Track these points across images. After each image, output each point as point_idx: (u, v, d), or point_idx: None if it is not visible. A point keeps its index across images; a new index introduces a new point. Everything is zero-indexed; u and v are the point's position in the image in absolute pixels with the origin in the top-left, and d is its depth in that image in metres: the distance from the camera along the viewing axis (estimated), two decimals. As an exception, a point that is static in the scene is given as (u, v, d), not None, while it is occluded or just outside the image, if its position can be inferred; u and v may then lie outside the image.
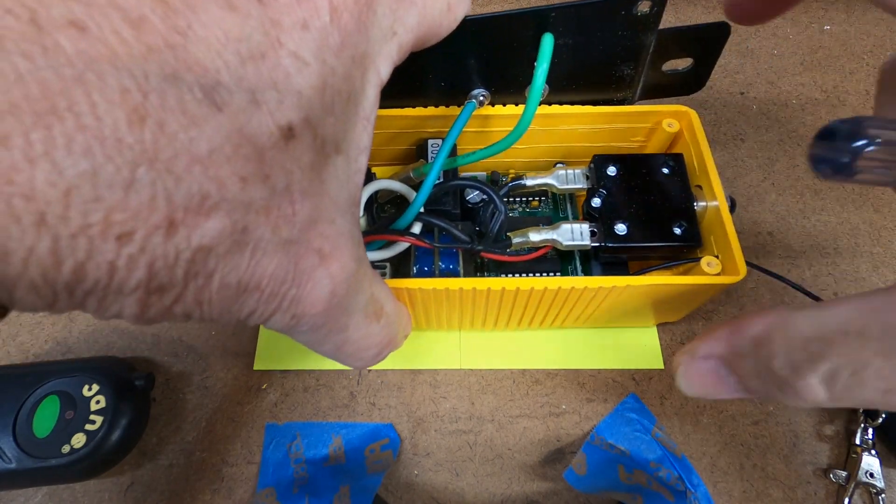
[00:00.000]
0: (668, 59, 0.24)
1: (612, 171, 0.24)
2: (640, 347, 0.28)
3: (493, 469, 0.26)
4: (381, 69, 0.14)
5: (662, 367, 0.28)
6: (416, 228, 0.23)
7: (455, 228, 0.23)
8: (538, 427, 0.27)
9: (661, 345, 0.28)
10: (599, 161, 0.24)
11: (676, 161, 0.24)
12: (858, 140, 0.18)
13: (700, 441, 0.27)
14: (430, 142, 0.26)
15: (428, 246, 0.23)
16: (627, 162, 0.24)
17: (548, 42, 0.20)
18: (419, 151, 0.27)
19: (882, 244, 0.31)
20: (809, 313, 0.15)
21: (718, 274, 0.22)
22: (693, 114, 0.25)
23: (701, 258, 0.22)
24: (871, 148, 0.18)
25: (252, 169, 0.11)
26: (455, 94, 0.24)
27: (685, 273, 0.24)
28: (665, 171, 0.24)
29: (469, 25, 0.19)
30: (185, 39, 0.10)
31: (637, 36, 0.22)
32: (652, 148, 0.27)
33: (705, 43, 0.23)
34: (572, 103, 0.25)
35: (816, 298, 0.25)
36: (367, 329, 0.17)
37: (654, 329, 0.29)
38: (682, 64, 0.24)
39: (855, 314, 0.14)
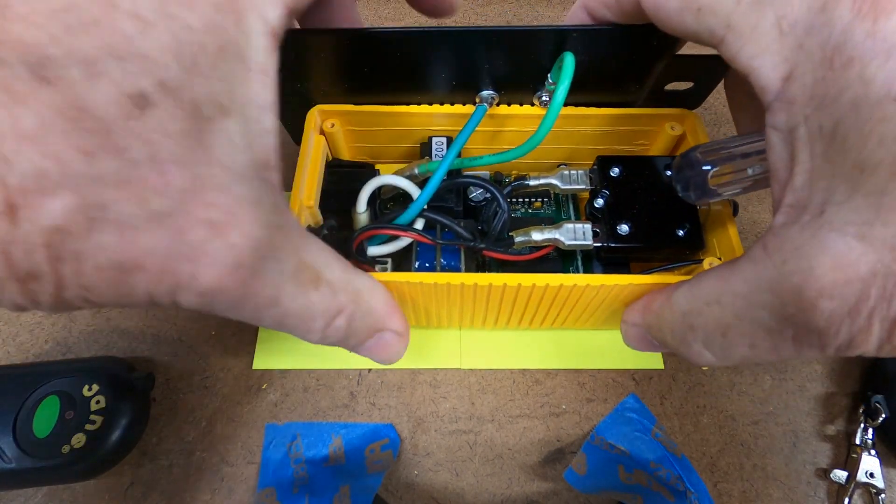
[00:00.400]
0: (672, 82, 0.24)
1: (615, 172, 0.24)
2: (640, 348, 0.28)
3: (493, 469, 0.26)
4: (269, 14, 0.13)
5: (662, 367, 0.28)
6: (419, 225, 0.23)
7: (458, 226, 0.23)
8: (538, 427, 0.27)
9: (661, 345, 0.28)
10: (603, 162, 0.24)
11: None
12: (703, 166, 0.20)
13: (700, 441, 0.27)
14: (435, 140, 0.26)
15: (431, 242, 0.23)
16: (631, 163, 0.24)
17: (569, 63, 0.20)
18: (424, 149, 0.26)
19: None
20: (685, 289, 0.17)
21: (721, 276, 0.22)
22: (696, 116, 0.25)
23: (703, 260, 0.22)
24: (714, 168, 0.19)
25: (98, 142, 0.10)
26: (464, 93, 0.24)
27: (687, 275, 0.24)
28: (668, 173, 0.24)
29: (488, 37, 0.20)
30: (2, 18, 0.09)
31: (650, 62, 0.22)
32: (655, 150, 0.27)
33: (709, 71, 0.23)
34: (576, 104, 0.25)
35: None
36: (305, 298, 0.15)
37: (655, 329, 0.29)
38: (684, 86, 0.24)
39: (713, 285, 0.16)
